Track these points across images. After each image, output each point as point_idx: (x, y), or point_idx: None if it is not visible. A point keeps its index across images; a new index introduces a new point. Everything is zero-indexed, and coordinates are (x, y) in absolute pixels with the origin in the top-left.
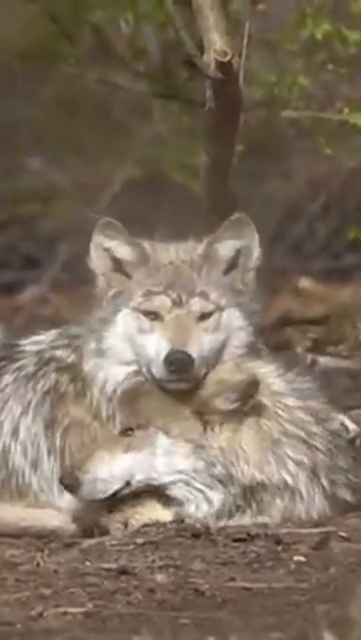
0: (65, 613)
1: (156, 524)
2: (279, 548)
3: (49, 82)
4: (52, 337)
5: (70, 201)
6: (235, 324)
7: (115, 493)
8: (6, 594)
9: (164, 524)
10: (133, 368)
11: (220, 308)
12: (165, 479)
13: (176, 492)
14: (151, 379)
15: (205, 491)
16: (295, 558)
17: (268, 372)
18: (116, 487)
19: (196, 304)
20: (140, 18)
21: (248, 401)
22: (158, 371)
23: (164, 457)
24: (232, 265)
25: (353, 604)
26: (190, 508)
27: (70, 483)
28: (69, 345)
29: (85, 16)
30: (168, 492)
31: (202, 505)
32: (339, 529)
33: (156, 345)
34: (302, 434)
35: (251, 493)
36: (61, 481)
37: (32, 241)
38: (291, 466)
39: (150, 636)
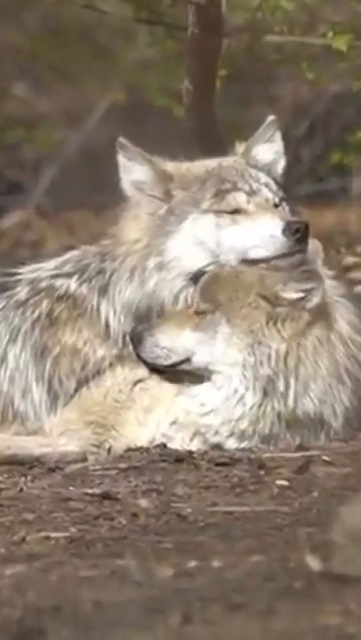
0: (48, 538)
1: (140, 448)
2: (262, 472)
3: (33, 8)
4: (52, 265)
5: (54, 127)
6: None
7: (174, 365)
8: None
9: (147, 449)
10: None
11: (281, 200)
12: (218, 367)
13: (222, 382)
14: (259, 260)
15: (242, 391)
16: (278, 482)
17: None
18: (175, 359)
19: (267, 193)
20: None
21: (311, 296)
22: (280, 245)
23: (223, 345)
24: (270, 166)
25: (335, 527)
26: (222, 402)
27: (134, 337)
28: (71, 274)
29: None
30: (214, 379)
31: (235, 404)
32: (322, 453)
33: (262, 227)
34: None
35: (281, 420)
36: (129, 334)
37: (16, 167)
38: (338, 406)
39: (133, 561)
